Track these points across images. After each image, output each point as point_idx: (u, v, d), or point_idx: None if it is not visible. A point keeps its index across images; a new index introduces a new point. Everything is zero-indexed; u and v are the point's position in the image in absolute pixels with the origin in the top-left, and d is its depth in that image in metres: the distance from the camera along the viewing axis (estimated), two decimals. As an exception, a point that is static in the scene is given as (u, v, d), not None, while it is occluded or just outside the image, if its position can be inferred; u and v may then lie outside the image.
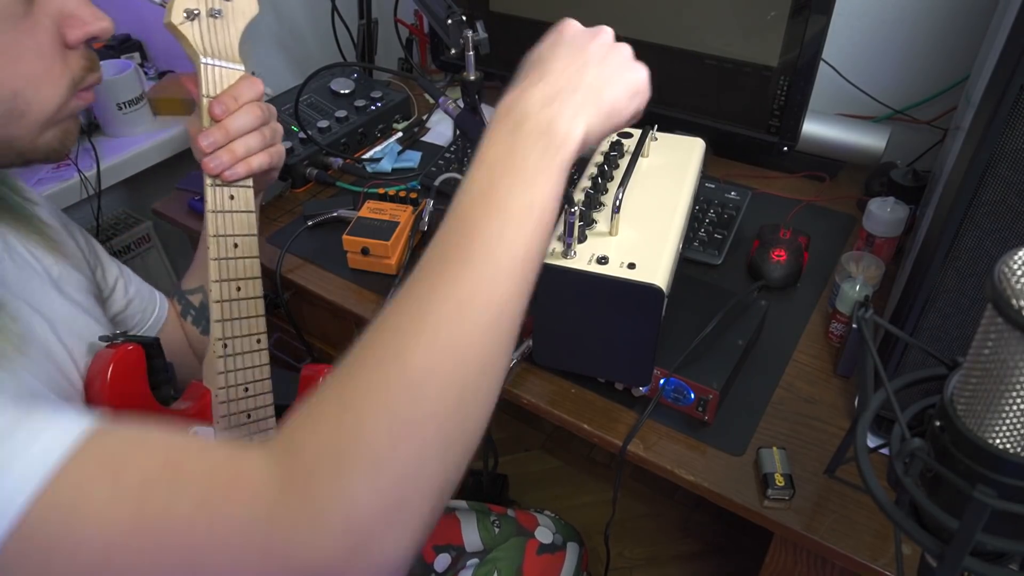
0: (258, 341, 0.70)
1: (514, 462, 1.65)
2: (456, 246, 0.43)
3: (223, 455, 0.39)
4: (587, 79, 0.50)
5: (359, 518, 0.37)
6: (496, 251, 0.43)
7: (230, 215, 0.67)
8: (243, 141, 0.67)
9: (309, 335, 1.19)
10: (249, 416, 0.71)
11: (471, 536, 0.98)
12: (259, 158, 0.69)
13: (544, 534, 1.00)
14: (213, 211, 0.66)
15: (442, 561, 0.96)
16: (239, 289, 0.67)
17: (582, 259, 0.70)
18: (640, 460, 0.78)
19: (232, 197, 0.67)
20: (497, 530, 0.99)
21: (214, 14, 0.63)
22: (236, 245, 0.67)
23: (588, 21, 0.57)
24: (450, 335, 0.41)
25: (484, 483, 1.37)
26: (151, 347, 0.65)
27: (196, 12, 0.62)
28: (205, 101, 0.65)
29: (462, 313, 0.41)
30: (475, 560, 0.97)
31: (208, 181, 0.66)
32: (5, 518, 0.35)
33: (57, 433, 0.38)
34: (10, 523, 0.35)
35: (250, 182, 0.70)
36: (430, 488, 0.39)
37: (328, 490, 0.37)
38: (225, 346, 0.67)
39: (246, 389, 0.70)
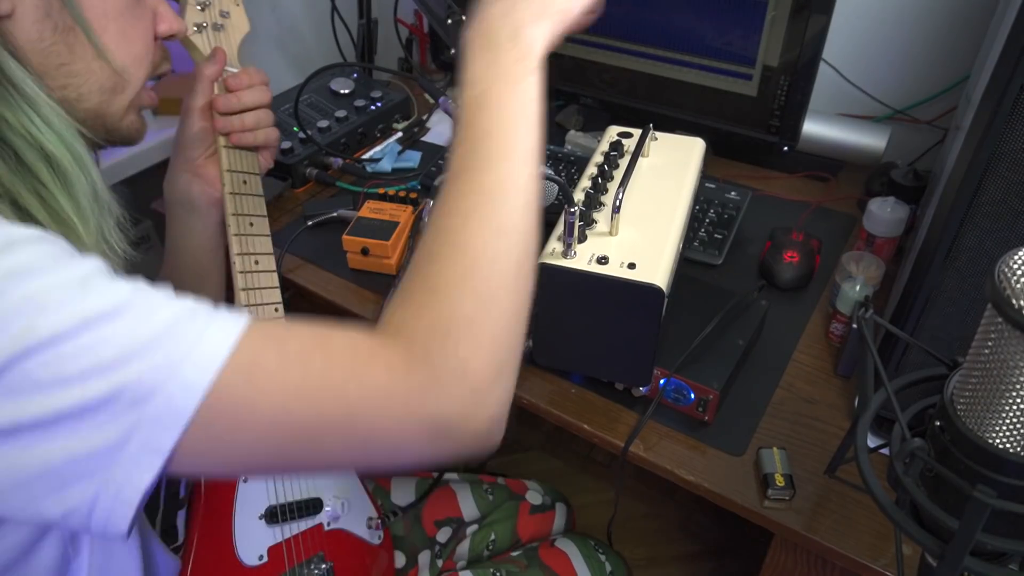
0: (276, 310, 0.79)
1: (514, 462, 1.65)
2: (476, 152, 0.52)
3: (359, 335, 0.47)
4: None
5: (473, 375, 0.47)
6: (509, 150, 0.52)
7: (244, 197, 0.77)
8: (253, 114, 0.77)
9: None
10: None
11: (468, 506, 1.02)
12: (265, 132, 0.79)
13: (534, 496, 1.06)
14: (232, 193, 0.77)
15: (444, 534, 0.99)
16: (257, 262, 0.77)
17: (582, 259, 0.70)
18: (640, 460, 0.78)
19: (245, 182, 0.78)
20: (491, 497, 1.03)
21: (217, 28, 0.77)
22: (252, 224, 0.77)
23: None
24: (497, 221, 0.51)
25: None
26: None
27: (204, 25, 0.76)
28: (217, 87, 0.77)
29: (501, 201, 0.51)
30: (474, 527, 1.01)
31: (222, 142, 0.77)
32: (204, 380, 0.42)
33: (228, 319, 0.45)
34: (207, 385, 0.42)
35: (258, 167, 0.81)
36: (514, 344, 0.50)
37: (443, 361, 0.46)
38: (251, 312, 0.75)
39: None
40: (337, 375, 0.45)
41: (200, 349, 0.43)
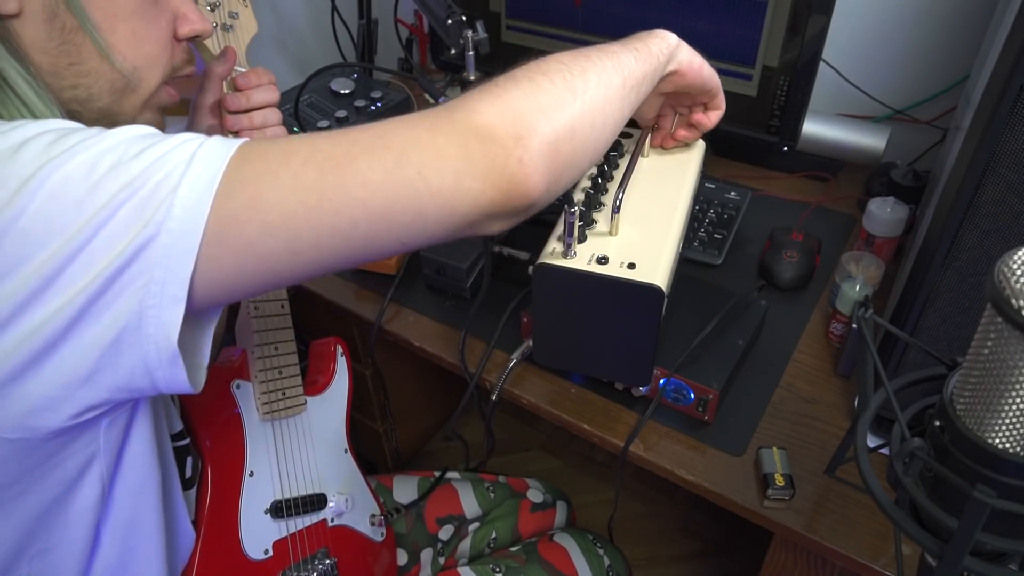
0: (282, 306, 0.81)
1: (514, 462, 1.65)
2: (607, 54, 0.60)
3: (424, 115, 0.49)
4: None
5: (514, 106, 0.49)
6: (625, 62, 0.60)
7: None
8: (261, 113, 0.77)
9: (309, 335, 1.19)
10: (280, 373, 0.80)
11: (469, 503, 1.03)
12: (273, 131, 0.79)
13: (535, 495, 1.07)
14: None
15: (446, 531, 1.00)
16: None
17: (582, 259, 0.70)
18: (640, 460, 0.78)
19: None
20: (492, 495, 1.04)
21: (226, 28, 0.78)
22: None
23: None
24: (608, 80, 0.57)
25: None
26: None
27: (214, 25, 0.76)
28: (226, 85, 0.77)
29: (612, 76, 0.58)
30: (476, 524, 1.02)
31: None
32: (224, 155, 0.43)
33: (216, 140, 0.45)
34: (227, 158, 0.43)
35: None
36: (572, 130, 0.52)
37: (486, 92, 0.50)
38: (257, 308, 0.78)
39: (276, 348, 0.80)
40: (365, 131, 0.48)
41: (209, 143, 0.44)
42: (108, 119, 0.59)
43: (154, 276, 0.42)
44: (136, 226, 0.41)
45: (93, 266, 0.41)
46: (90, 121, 0.56)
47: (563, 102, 0.52)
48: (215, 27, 0.76)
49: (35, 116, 0.52)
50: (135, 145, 0.43)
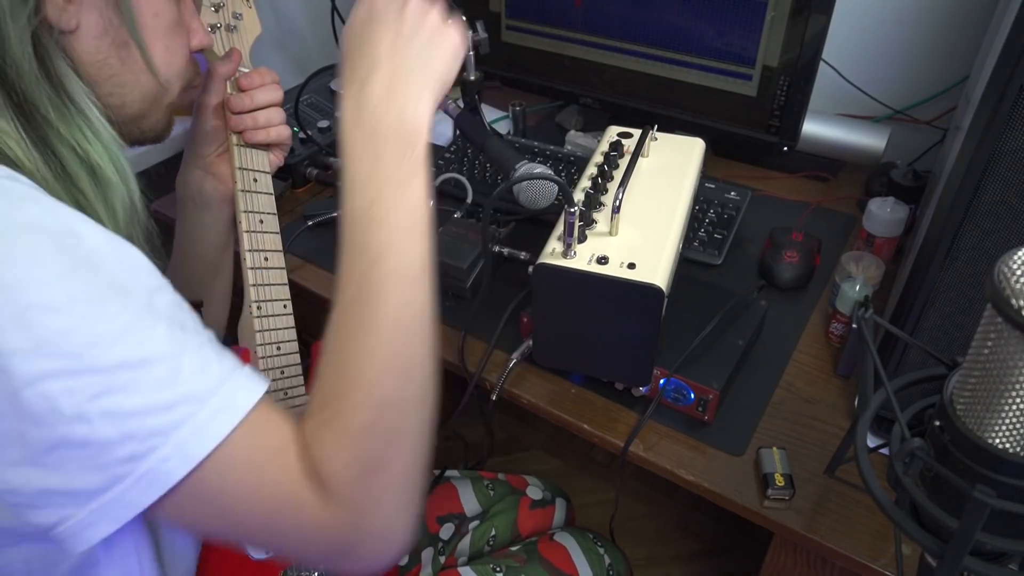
0: (284, 306, 0.80)
1: (514, 462, 1.65)
2: (370, 279, 0.54)
3: (299, 466, 0.48)
4: (413, 54, 0.57)
5: (385, 511, 0.50)
6: (404, 272, 0.53)
7: (255, 195, 0.79)
8: (265, 112, 0.79)
9: (309, 335, 1.18)
10: (283, 372, 0.81)
11: (469, 501, 1.03)
12: (277, 130, 0.80)
13: (535, 492, 1.07)
14: (243, 191, 0.78)
15: (447, 530, 1.00)
16: (267, 259, 0.79)
17: (582, 259, 0.70)
18: (640, 460, 0.78)
19: (256, 180, 0.79)
20: (492, 492, 1.05)
21: (230, 29, 0.79)
22: (262, 221, 0.79)
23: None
24: (399, 360, 0.52)
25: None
26: (198, 307, 0.69)
27: (217, 26, 0.77)
28: (229, 85, 0.78)
29: (401, 336, 0.53)
30: (476, 522, 1.02)
31: (234, 139, 0.78)
32: (199, 455, 0.44)
33: (246, 395, 0.47)
34: (199, 460, 0.44)
35: (268, 166, 0.82)
36: (420, 469, 0.53)
37: (359, 502, 0.49)
38: (260, 308, 0.78)
39: (278, 348, 0.80)
40: (279, 499, 0.48)
41: (207, 430, 0.45)
42: (135, 123, 0.61)
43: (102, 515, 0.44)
44: (89, 488, 0.42)
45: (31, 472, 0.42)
46: (116, 127, 0.58)
47: (415, 449, 0.53)
48: (219, 28, 0.77)
49: (93, 132, 0.53)
50: (114, 371, 0.43)
